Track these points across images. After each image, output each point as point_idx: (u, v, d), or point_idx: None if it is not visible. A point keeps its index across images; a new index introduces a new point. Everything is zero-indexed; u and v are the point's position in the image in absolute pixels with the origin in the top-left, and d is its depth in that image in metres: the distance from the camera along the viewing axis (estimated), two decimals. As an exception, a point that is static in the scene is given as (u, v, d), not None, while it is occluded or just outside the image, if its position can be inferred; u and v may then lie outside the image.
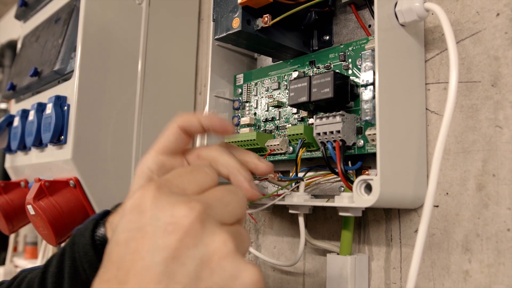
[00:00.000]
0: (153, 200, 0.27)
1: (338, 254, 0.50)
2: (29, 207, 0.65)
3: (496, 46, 0.42)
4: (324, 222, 0.56)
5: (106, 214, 0.41)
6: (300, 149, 0.49)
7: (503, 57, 0.42)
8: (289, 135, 0.49)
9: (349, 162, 0.48)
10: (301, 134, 0.48)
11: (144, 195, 0.27)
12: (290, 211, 0.50)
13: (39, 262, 1.12)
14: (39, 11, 0.87)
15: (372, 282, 0.49)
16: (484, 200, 0.42)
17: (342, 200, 0.43)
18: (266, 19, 0.48)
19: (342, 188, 0.50)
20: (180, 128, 0.39)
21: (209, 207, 0.27)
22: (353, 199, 0.41)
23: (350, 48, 0.48)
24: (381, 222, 0.50)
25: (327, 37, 0.54)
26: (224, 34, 0.49)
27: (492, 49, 0.42)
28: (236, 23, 0.48)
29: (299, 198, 0.48)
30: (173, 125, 0.39)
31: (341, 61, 0.49)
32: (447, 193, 0.44)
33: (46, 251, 1.10)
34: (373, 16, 0.49)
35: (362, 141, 0.45)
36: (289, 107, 0.54)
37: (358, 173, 0.49)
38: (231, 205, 0.30)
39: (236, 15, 0.48)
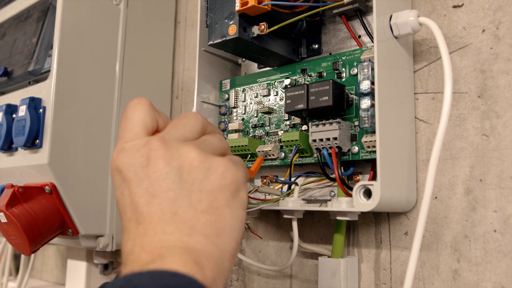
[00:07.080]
0: (120, 154, 0.33)
1: (329, 257, 0.51)
2: (1, 214, 0.61)
3: (482, 60, 0.45)
4: (312, 226, 0.57)
5: None
6: (294, 155, 0.50)
7: (488, 70, 0.45)
8: (284, 141, 0.50)
9: (342, 168, 0.49)
10: (297, 140, 0.49)
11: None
12: (285, 216, 0.51)
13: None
14: (3, 8, 0.82)
15: (362, 284, 0.51)
16: (472, 204, 0.44)
17: (341, 205, 0.45)
18: (262, 27, 0.49)
19: (333, 193, 0.52)
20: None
21: (167, 133, 0.34)
22: (353, 203, 0.43)
23: (343, 58, 0.50)
24: (370, 225, 0.52)
25: (316, 46, 0.55)
26: (220, 40, 0.49)
27: (478, 63, 0.45)
28: (233, 30, 0.48)
29: (295, 203, 0.49)
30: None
31: (334, 69, 0.50)
32: (436, 197, 0.47)
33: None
34: (363, 27, 0.51)
35: (357, 148, 0.47)
36: (279, 114, 0.55)
37: (349, 178, 0.51)
38: (188, 125, 0.36)
39: (232, 22, 0.48)
